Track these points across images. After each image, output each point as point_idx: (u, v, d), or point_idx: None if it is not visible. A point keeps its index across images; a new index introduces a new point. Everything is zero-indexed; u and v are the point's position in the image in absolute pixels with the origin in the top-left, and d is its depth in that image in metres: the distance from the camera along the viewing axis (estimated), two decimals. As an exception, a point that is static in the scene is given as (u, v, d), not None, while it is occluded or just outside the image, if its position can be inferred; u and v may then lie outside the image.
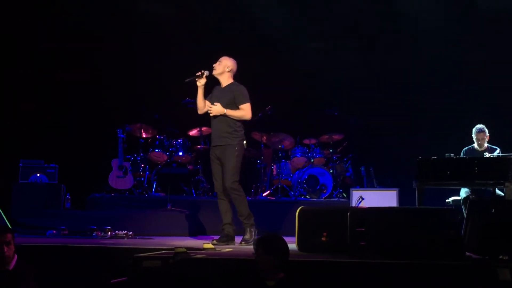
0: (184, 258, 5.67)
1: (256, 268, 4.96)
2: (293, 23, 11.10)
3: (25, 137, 10.82)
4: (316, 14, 11.16)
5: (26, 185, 9.91)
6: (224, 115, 7.39)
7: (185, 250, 5.89)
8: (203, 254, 5.95)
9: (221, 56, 7.63)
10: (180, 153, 10.73)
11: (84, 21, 11.05)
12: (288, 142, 11.05)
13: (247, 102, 7.44)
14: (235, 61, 7.59)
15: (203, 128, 10.97)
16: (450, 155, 7.68)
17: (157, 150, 10.71)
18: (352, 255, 5.78)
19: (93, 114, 11.03)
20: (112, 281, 5.84)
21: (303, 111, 11.33)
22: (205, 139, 11.05)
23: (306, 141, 11.07)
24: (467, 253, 5.85)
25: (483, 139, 8.59)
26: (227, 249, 6.64)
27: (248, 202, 9.96)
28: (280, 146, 10.96)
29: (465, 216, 6.59)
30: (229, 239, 7.44)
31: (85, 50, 11.16)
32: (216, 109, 7.40)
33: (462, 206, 8.06)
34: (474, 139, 8.68)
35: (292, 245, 6.20)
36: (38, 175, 10.04)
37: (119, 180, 10.34)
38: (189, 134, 10.95)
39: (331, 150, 10.89)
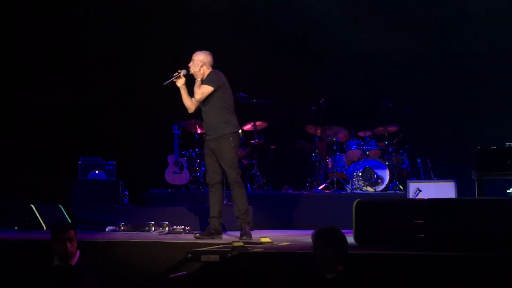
0: (242, 252, 5.69)
1: (315, 261, 4.94)
2: (346, 15, 10.99)
3: (84, 135, 11.02)
4: (369, 3, 11.04)
5: (85, 182, 10.10)
6: (212, 105, 7.33)
7: (242, 244, 5.91)
8: (261, 248, 5.97)
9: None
10: (236, 148, 10.76)
11: (139, 16, 11.20)
12: (342, 135, 10.98)
13: (209, 86, 7.30)
14: (207, 53, 7.47)
15: (257, 123, 11.02)
16: (510, 144, 7.53)
17: (212, 145, 10.75)
18: (411, 248, 5.71)
19: (149, 110, 11.15)
20: (170, 275, 5.90)
21: (357, 103, 11.24)
22: (259, 133, 11.10)
23: (361, 134, 10.98)
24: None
25: None
26: (285, 243, 6.63)
27: (304, 196, 10.15)
28: (334, 139, 10.91)
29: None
30: (214, 233, 7.31)
31: (140, 46, 11.29)
32: (193, 70, 7.36)
33: (524, 197, 7.90)
34: None
35: (350, 238, 6.16)
36: (97, 172, 10.23)
37: (176, 176, 10.46)
38: (243, 129, 10.95)
39: (386, 142, 10.77)
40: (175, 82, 7.46)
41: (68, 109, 11.16)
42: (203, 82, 7.36)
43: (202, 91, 7.31)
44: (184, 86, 7.46)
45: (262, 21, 11.35)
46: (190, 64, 7.45)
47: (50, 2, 10.97)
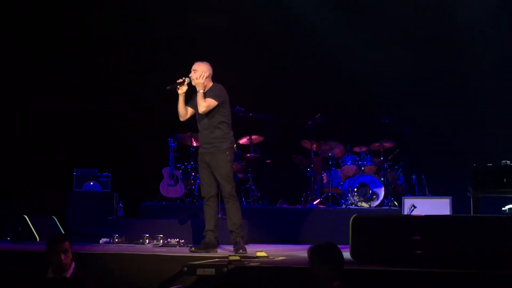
0: (238, 266, 5.67)
1: (311, 277, 4.92)
2: (345, 31, 11.04)
3: (79, 146, 10.99)
4: (368, 21, 11.10)
5: (80, 194, 10.07)
6: (211, 119, 7.32)
7: (238, 258, 5.89)
8: (257, 262, 5.94)
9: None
10: (231, 161, 10.74)
11: (136, 30, 11.22)
12: (338, 150, 10.98)
13: (214, 99, 7.29)
14: (209, 64, 7.47)
15: (253, 137, 11.01)
16: (506, 162, 7.55)
17: (207, 158, 10.74)
18: (408, 264, 5.69)
19: (145, 123, 11.15)
20: (166, 289, 5.87)
21: (353, 119, 11.26)
22: (255, 147, 11.10)
23: (357, 149, 10.98)
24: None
25: None
26: (281, 257, 6.61)
27: (299, 211, 10.14)
28: (330, 154, 10.90)
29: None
30: (209, 246, 7.31)
31: (136, 60, 11.31)
32: (197, 81, 7.32)
33: (519, 215, 7.91)
34: None
35: (345, 253, 6.14)
36: (92, 183, 10.20)
37: (170, 189, 10.43)
38: (239, 143, 10.95)
39: (382, 158, 10.77)
40: (178, 88, 7.43)
41: (63, 120, 11.12)
42: (206, 94, 7.34)
43: (208, 104, 7.29)
44: (184, 94, 7.43)
45: (260, 35, 11.39)
46: (192, 75, 7.42)
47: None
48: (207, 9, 11.30)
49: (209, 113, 7.34)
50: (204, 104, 7.29)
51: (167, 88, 7.45)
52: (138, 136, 11.25)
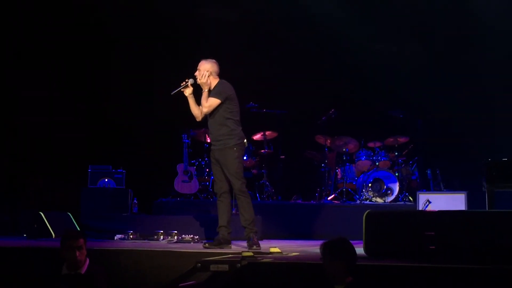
0: (251, 262, 5.68)
1: (324, 273, 4.92)
2: (357, 25, 11.00)
3: (94, 143, 11.04)
4: (380, 15, 11.05)
5: (94, 190, 10.13)
6: (217, 116, 7.30)
7: (252, 254, 5.89)
8: (270, 258, 5.94)
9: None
10: (244, 158, 10.69)
11: (149, 26, 11.25)
12: (352, 145, 10.96)
13: (216, 98, 7.26)
14: (213, 61, 7.40)
15: (267, 132, 11.02)
16: (521, 156, 7.51)
17: (221, 154, 10.75)
18: (422, 260, 5.67)
19: (159, 119, 11.18)
20: (180, 284, 5.89)
21: (367, 114, 11.22)
22: (269, 143, 11.10)
23: (371, 144, 10.96)
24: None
25: None
26: (294, 253, 6.61)
27: (313, 206, 10.13)
28: (344, 150, 10.89)
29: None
30: (223, 242, 7.31)
31: (150, 56, 11.33)
32: (200, 81, 7.31)
33: (535, 210, 7.84)
34: None
35: (359, 249, 6.13)
36: (106, 180, 10.25)
37: (185, 185, 10.46)
38: (253, 139, 10.98)
39: (396, 153, 10.75)
40: (182, 91, 7.44)
41: (78, 117, 11.18)
42: (210, 93, 7.33)
43: (210, 104, 7.28)
44: (191, 95, 7.43)
45: (273, 30, 11.36)
46: (196, 74, 7.40)
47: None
48: (218, 3, 11.30)
49: (214, 111, 7.32)
50: (206, 105, 7.30)
51: (172, 93, 7.43)
52: (153, 132, 11.28)
